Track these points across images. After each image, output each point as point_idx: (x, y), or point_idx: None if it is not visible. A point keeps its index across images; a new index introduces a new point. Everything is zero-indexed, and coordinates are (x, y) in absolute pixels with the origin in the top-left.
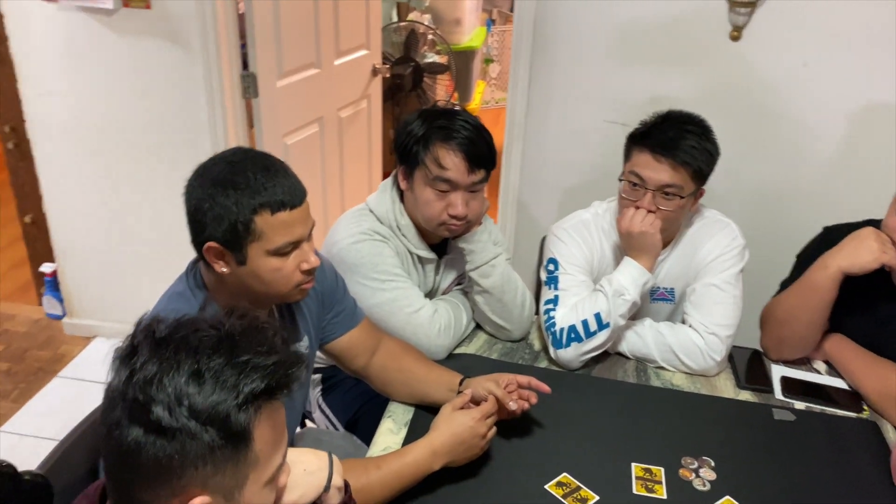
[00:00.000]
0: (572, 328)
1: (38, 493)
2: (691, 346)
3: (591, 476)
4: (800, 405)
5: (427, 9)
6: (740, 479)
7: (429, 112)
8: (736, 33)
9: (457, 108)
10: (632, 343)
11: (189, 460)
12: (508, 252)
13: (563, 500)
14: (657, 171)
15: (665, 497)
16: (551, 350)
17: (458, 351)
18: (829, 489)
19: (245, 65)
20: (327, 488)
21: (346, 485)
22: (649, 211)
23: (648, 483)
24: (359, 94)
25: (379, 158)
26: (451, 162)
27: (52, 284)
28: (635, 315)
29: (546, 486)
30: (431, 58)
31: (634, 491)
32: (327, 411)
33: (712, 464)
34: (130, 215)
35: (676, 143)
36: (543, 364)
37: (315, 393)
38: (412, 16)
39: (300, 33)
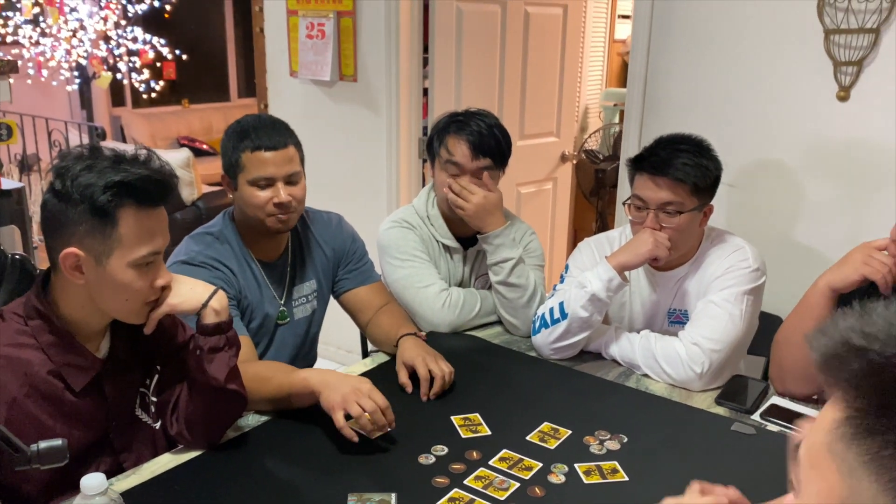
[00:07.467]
0: (542, 316)
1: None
2: (673, 353)
3: (493, 420)
4: (774, 428)
5: None
6: (640, 457)
7: (456, 112)
8: (843, 93)
9: (484, 112)
10: (622, 348)
11: (70, 219)
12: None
13: (460, 429)
14: (655, 190)
15: (553, 448)
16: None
17: (468, 333)
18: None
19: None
20: (205, 306)
21: (230, 325)
22: (654, 229)
23: (547, 437)
24: (543, 176)
25: (563, 241)
26: (459, 150)
27: None
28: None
29: (453, 417)
30: None
31: (527, 438)
32: None
33: (625, 440)
34: None
35: (670, 162)
36: (533, 353)
37: None
38: None
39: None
